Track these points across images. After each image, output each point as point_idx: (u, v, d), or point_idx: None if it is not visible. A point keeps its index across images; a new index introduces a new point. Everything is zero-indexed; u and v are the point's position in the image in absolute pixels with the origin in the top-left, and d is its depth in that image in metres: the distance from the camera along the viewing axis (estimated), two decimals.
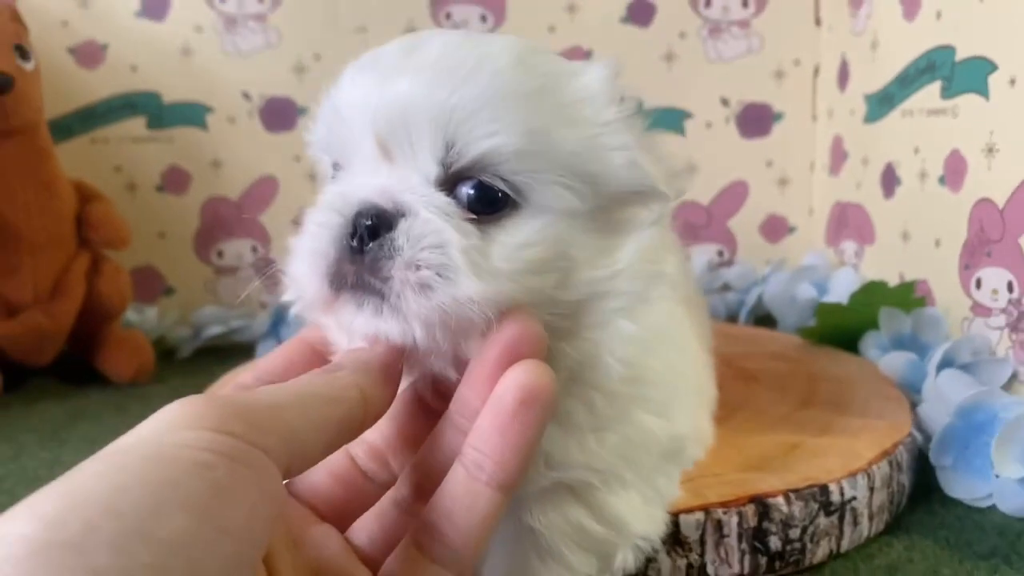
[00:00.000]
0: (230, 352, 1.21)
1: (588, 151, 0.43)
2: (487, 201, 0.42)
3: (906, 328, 0.93)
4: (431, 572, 0.40)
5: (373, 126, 0.42)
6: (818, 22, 1.35)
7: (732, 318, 1.30)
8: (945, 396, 0.78)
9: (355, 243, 0.41)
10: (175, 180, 1.35)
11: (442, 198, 0.42)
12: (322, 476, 0.44)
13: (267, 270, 0.47)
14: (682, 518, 0.58)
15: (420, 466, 0.44)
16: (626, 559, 0.51)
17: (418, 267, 0.40)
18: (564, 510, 0.48)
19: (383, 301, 0.41)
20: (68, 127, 1.31)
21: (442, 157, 0.41)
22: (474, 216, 0.42)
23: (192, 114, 1.34)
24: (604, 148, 0.44)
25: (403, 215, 0.41)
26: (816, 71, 1.36)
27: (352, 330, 0.43)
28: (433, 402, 0.45)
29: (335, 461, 0.44)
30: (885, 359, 0.90)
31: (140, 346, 1.16)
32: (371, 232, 0.41)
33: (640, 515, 0.51)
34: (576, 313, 0.44)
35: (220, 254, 1.38)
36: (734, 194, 1.40)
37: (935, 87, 0.97)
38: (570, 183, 0.42)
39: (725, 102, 1.38)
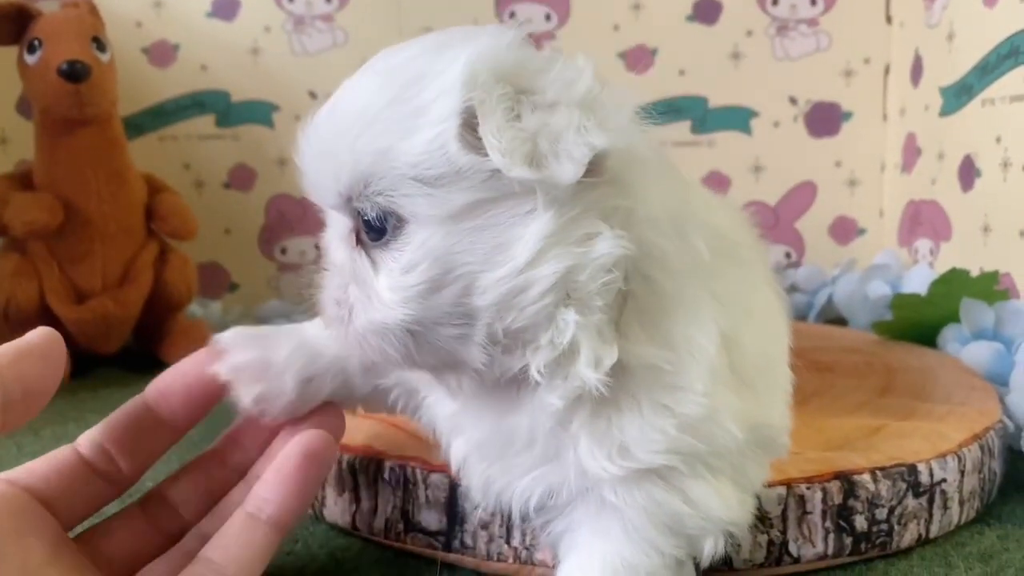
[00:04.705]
0: None
1: (431, 154, 0.41)
2: (374, 229, 0.44)
3: (989, 321, 0.89)
4: None
5: (304, 186, 0.48)
6: (889, 19, 1.32)
7: (800, 320, 1.26)
8: None
9: None
10: (241, 177, 1.37)
11: (343, 240, 0.46)
12: (44, 466, 0.50)
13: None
14: (763, 492, 0.55)
15: (209, 519, 0.53)
16: (717, 545, 0.49)
17: (337, 306, 0.46)
18: (648, 490, 0.46)
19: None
20: (139, 125, 1.33)
21: (334, 201, 0.45)
22: (371, 245, 0.45)
23: (259, 112, 1.36)
24: (453, 143, 0.41)
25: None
26: (887, 69, 1.33)
27: None
28: None
29: (60, 455, 0.51)
30: (968, 349, 0.86)
31: (204, 336, 1.13)
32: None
33: (730, 501, 0.49)
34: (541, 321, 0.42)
35: (284, 251, 1.39)
36: (802, 195, 1.38)
37: (1018, 72, 0.94)
38: (427, 192, 0.41)
39: (793, 101, 1.35)
